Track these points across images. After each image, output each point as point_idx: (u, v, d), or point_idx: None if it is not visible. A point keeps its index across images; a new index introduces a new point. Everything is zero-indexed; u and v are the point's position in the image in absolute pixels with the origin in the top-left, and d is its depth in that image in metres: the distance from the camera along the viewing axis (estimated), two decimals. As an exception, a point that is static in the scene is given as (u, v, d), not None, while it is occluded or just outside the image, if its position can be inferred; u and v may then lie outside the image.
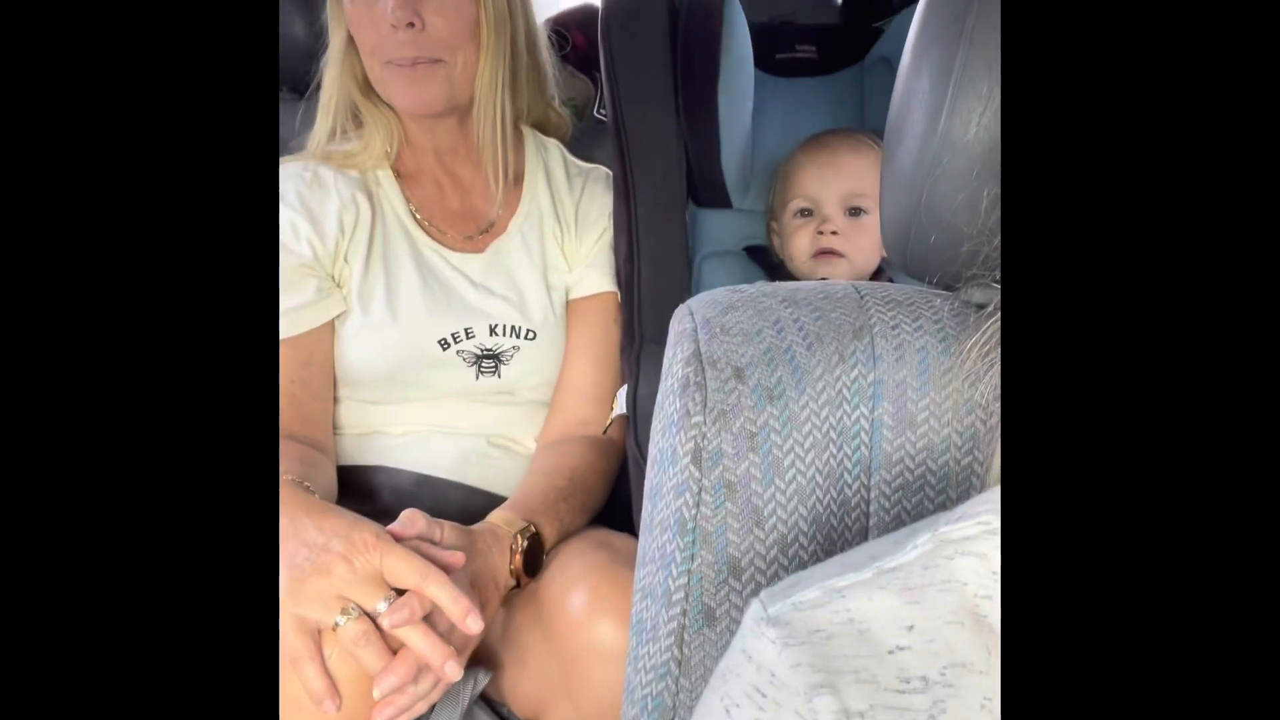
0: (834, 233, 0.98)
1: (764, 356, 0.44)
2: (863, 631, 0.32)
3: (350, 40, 0.93)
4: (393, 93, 0.92)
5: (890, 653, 0.32)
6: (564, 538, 0.84)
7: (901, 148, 0.45)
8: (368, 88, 0.96)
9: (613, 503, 0.91)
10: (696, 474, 0.42)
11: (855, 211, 0.99)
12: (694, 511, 0.41)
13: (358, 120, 0.98)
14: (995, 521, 0.34)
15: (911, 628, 0.32)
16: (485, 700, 0.82)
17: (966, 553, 0.34)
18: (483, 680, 0.77)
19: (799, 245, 1.01)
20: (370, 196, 0.97)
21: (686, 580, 0.41)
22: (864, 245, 0.99)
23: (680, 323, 0.47)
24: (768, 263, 1.06)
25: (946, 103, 0.41)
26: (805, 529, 0.42)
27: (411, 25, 0.87)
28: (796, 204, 1.01)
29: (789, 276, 1.04)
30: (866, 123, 1.11)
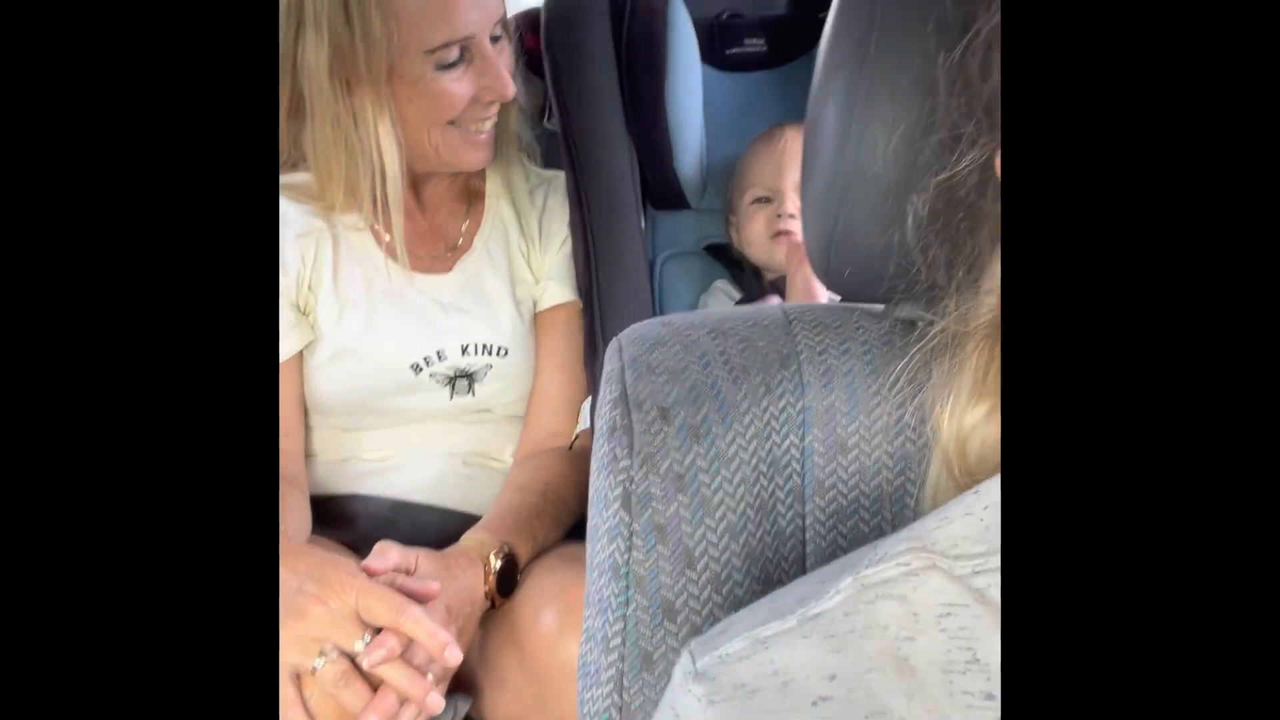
0: (791, 215, 0.99)
1: (689, 395, 0.44)
2: (785, 684, 0.33)
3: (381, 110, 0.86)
4: (455, 156, 0.90)
5: (813, 704, 0.32)
6: (539, 554, 0.85)
7: (814, 174, 0.45)
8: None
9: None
10: (627, 518, 0.42)
11: None
12: (626, 556, 0.42)
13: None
14: (915, 563, 0.34)
15: (833, 677, 0.32)
16: (470, 721, 0.82)
17: (887, 596, 0.34)
18: (463, 707, 0.78)
19: (756, 229, 1.02)
20: (330, 223, 0.96)
21: (623, 625, 0.42)
22: None
23: (611, 361, 0.47)
24: (729, 260, 1.07)
25: (852, 130, 0.41)
26: (739, 565, 0.42)
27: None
28: (753, 193, 1.02)
29: (753, 274, 1.04)
30: (819, 113, 1.10)
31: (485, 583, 0.78)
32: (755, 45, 1.10)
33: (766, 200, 1.02)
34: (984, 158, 0.42)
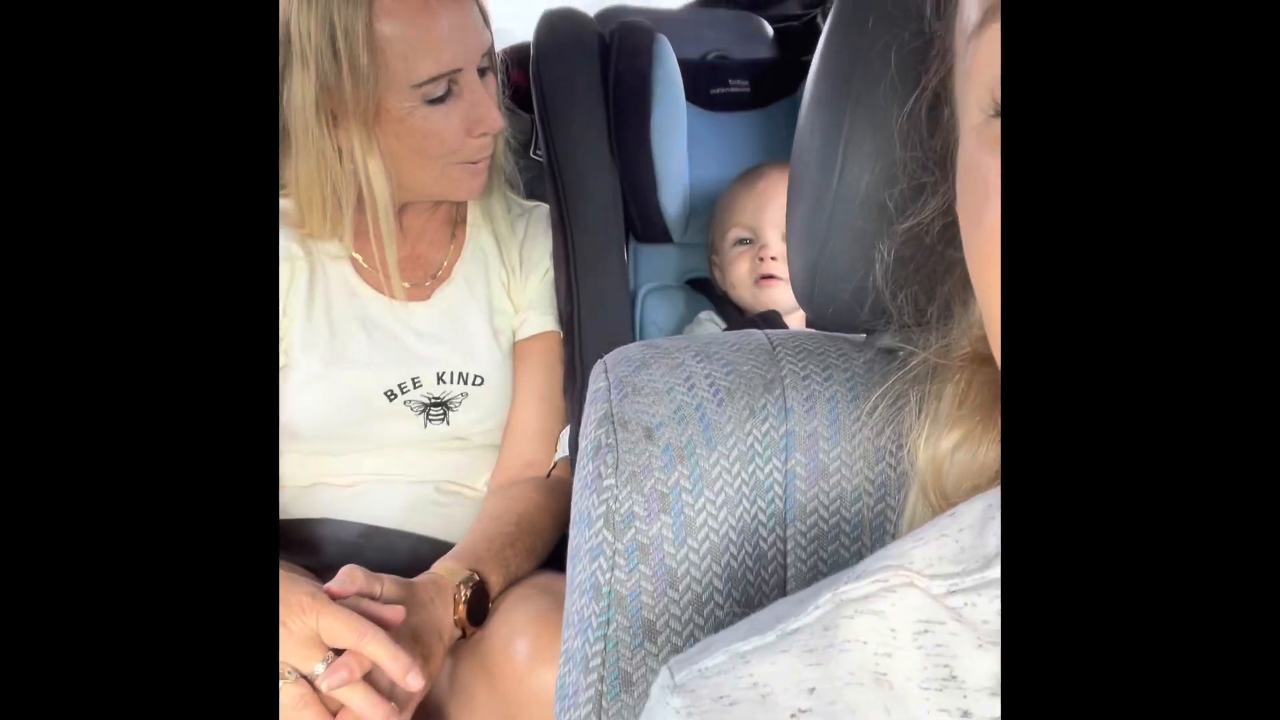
0: (773, 258, 1.00)
1: (674, 415, 0.44)
2: (765, 696, 0.33)
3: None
4: (450, 188, 0.91)
5: (792, 716, 0.32)
6: (511, 583, 0.84)
7: (800, 204, 0.46)
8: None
9: (561, 544, 0.91)
10: (609, 537, 0.42)
11: None
12: (608, 576, 0.42)
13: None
14: (892, 579, 0.35)
15: (813, 690, 0.33)
16: (437, 753, 0.81)
17: (865, 611, 0.34)
18: (430, 736, 0.77)
19: (740, 273, 1.03)
20: (307, 249, 0.95)
21: (603, 646, 0.41)
22: None
23: (596, 381, 0.47)
24: (711, 295, 1.08)
25: (838, 162, 0.42)
26: (720, 587, 0.42)
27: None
28: (735, 233, 1.03)
29: (735, 306, 1.05)
30: (800, 154, 1.13)
31: (455, 611, 0.77)
32: (739, 86, 1.13)
33: (749, 241, 1.03)
34: (945, 205, 0.43)
